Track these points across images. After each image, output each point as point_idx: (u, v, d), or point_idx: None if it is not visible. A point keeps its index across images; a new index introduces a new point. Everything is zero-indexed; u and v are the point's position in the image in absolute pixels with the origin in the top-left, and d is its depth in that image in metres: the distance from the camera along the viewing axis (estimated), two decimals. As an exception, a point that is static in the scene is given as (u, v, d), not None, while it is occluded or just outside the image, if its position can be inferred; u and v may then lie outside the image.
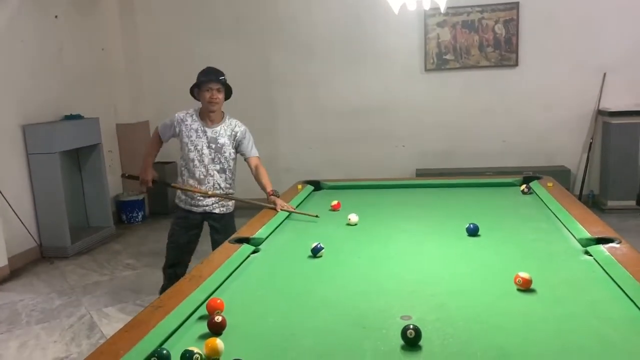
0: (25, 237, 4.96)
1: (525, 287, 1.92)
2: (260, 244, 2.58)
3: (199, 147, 3.33)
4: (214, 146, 3.34)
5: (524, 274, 1.93)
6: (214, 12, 6.33)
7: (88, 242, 5.42)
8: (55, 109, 5.42)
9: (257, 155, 3.46)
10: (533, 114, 5.91)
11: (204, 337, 1.65)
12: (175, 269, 3.44)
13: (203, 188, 3.36)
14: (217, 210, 3.42)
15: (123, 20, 6.32)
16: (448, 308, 1.83)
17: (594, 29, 5.66)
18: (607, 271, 2.01)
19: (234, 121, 3.42)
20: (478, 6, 5.84)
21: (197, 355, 1.48)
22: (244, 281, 2.16)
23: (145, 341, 1.58)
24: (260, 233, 2.68)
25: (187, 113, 3.41)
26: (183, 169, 3.42)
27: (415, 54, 6.04)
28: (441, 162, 6.07)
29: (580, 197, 5.70)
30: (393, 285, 2.07)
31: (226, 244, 2.53)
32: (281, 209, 3.09)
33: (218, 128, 3.35)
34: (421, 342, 1.55)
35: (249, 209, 3.29)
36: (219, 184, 3.38)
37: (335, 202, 3.24)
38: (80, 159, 5.74)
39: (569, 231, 2.54)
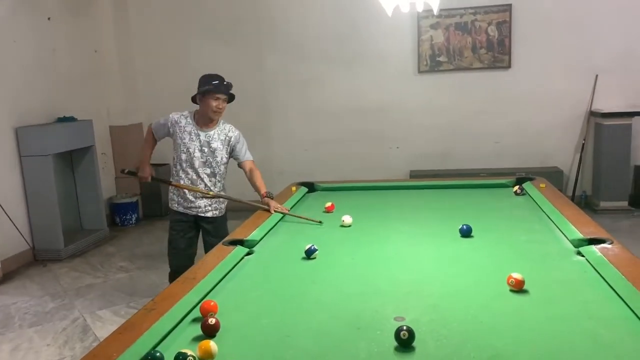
0: (18, 240, 4.93)
1: (518, 287, 1.93)
2: (254, 245, 2.58)
3: (191, 150, 3.32)
4: (206, 150, 3.33)
5: (517, 275, 1.94)
6: (208, 13, 6.32)
7: (81, 245, 5.39)
8: (48, 111, 5.40)
9: (252, 159, 3.45)
10: (526, 116, 5.94)
11: (197, 339, 1.65)
12: (178, 273, 3.44)
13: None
14: (209, 214, 3.42)
15: (116, 22, 6.30)
16: (441, 309, 1.83)
17: (586, 30, 5.70)
18: (599, 271, 2.02)
19: (227, 126, 3.41)
20: (471, 8, 5.86)
21: (190, 358, 1.48)
22: (237, 283, 2.16)
23: (139, 344, 1.57)
24: (254, 235, 2.68)
25: (182, 115, 3.39)
26: (175, 169, 3.41)
27: (409, 55, 6.05)
28: (435, 164, 6.09)
29: (572, 198, 5.73)
30: (387, 286, 2.07)
31: (220, 246, 2.53)
32: (275, 211, 3.09)
33: (212, 132, 3.34)
34: (415, 343, 1.56)
35: (242, 210, 3.30)
36: (209, 188, 3.38)
37: (329, 204, 3.24)
38: (73, 161, 5.72)
39: (562, 232, 2.56)
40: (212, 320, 1.70)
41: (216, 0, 6.29)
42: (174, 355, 1.49)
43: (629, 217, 5.51)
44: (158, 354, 1.51)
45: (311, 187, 3.85)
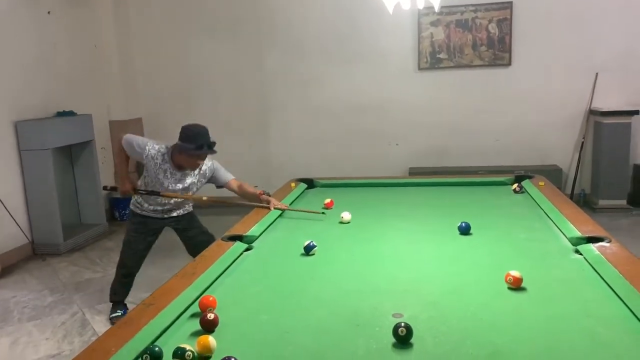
0: (17, 234, 4.94)
1: (516, 285, 1.93)
2: (253, 241, 2.58)
3: (165, 185, 3.28)
4: (181, 186, 3.31)
5: (515, 273, 1.95)
6: (208, 9, 6.31)
7: (80, 239, 5.39)
8: (47, 106, 5.39)
9: (233, 176, 3.40)
10: (526, 113, 5.94)
11: (196, 334, 1.65)
12: (131, 274, 3.56)
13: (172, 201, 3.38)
14: (174, 214, 3.45)
15: (116, 16, 6.28)
16: (440, 306, 1.84)
17: (586, 29, 5.69)
18: (597, 270, 2.03)
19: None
20: (472, 5, 5.85)
21: (189, 353, 1.48)
22: (236, 278, 2.17)
23: (137, 339, 1.58)
24: (253, 231, 2.68)
25: (159, 151, 3.25)
26: (145, 184, 3.37)
27: (409, 53, 6.05)
28: (434, 161, 6.09)
29: (571, 196, 5.74)
30: (385, 283, 2.07)
31: (219, 241, 2.53)
32: (274, 208, 3.09)
33: (187, 170, 3.30)
34: (413, 340, 1.56)
35: (240, 207, 3.30)
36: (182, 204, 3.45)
37: (328, 200, 3.25)
38: (72, 155, 5.71)
39: (560, 230, 2.56)
40: (211, 316, 1.71)
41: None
42: (172, 350, 1.49)
43: (627, 215, 5.52)
44: (157, 348, 1.51)
45: (310, 183, 3.85)
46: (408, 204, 3.37)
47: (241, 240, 2.54)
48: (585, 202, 5.86)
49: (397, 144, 6.22)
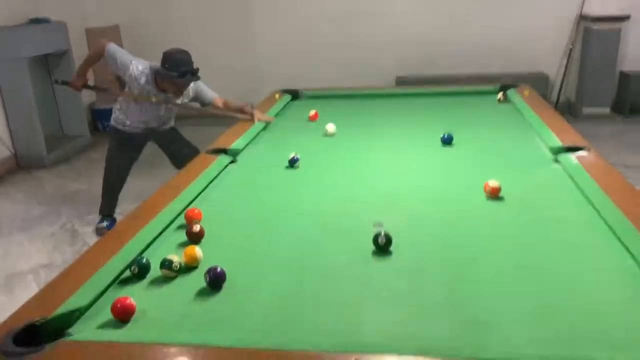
0: (0, 147, 4.89)
1: (495, 195, 1.98)
2: (237, 154, 2.59)
3: (146, 105, 3.23)
4: (163, 105, 3.26)
5: (493, 182, 1.99)
6: None
7: (65, 151, 5.36)
8: (19, 12, 5.13)
9: (217, 95, 3.34)
10: (515, 19, 5.76)
11: (182, 245, 1.69)
12: (116, 189, 3.59)
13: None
14: (157, 129, 3.42)
15: None
16: (419, 216, 1.89)
17: None
18: (574, 178, 2.08)
19: None
20: None
21: (176, 264, 1.53)
22: (221, 192, 2.20)
23: (125, 250, 1.62)
24: (237, 144, 2.68)
25: (143, 72, 3.14)
26: (124, 105, 3.33)
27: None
28: (422, 69, 5.98)
29: (556, 104, 5.74)
30: (367, 194, 2.12)
31: (203, 154, 2.54)
32: (259, 120, 3.06)
33: (171, 94, 3.21)
34: (392, 248, 1.63)
35: (221, 120, 3.27)
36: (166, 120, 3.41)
37: (312, 112, 3.22)
38: (50, 66, 5.53)
39: (541, 139, 2.59)
40: (196, 227, 1.75)
41: None
42: (160, 261, 1.54)
43: (611, 123, 5.56)
44: (144, 260, 1.56)
45: (295, 94, 3.80)
46: (393, 115, 3.36)
47: (225, 153, 2.54)
48: (570, 109, 5.87)
49: (385, 53, 6.07)
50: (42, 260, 3.34)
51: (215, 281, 1.47)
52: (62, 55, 5.44)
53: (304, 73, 5.82)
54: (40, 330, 1.25)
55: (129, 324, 1.32)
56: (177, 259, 1.55)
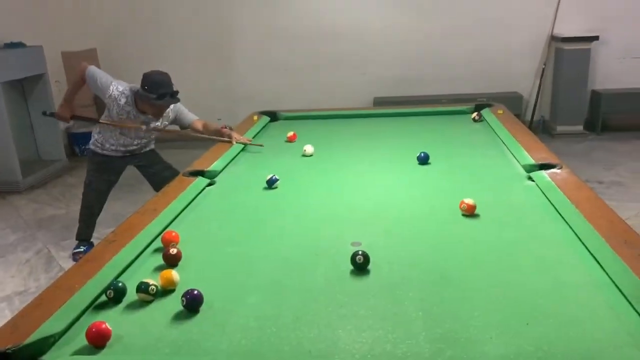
0: (-27, 173, 4.82)
1: (470, 212, 2.01)
2: (215, 176, 2.59)
3: (127, 128, 3.25)
4: (143, 127, 3.26)
5: (469, 200, 2.02)
6: None
7: (40, 176, 5.29)
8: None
9: (197, 117, 3.36)
10: (488, 40, 5.90)
11: (159, 269, 1.68)
12: (94, 214, 3.54)
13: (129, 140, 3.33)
14: (137, 152, 3.42)
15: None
16: (396, 234, 1.91)
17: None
18: (547, 195, 2.12)
19: None
20: None
21: (152, 287, 1.52)
22: (199, 214, 2.19)
23: (101, 275, 1.60)
24: (215, 165, 2.68)
25: (123, 93, 3.16)
26: (103, 128, 3.32)
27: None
28: (399, 90, 6.06)
29: (531, 123, 5.86)
30: (345, 213, 2.13)
31: (180, 177, 2.53)
32: (237, 142, 3.07)
33: (150, 116, 3.24)
34: (370, 267, 1.64)
35: (201, 142, 3.28)
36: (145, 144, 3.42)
37: (291, 133, 3.24)
38: (25, 90, 5.49)
39: (515, 158, 2.65)
40: (173, 250, 1.74)
41: None
42: (136, 285, 1.52)
43: (582, 141, 5.69)
44: (120, 284, 1.54)
45: (273, 116, 3.83)
46: (371, 135, 3.40)
47: (203, 176, 2.54)
48: (544, 128, 6.00)
49: (362, 74, 6.15)
50: (17, 287, 3.28)
51: (192, 303, 1.46)
52: (39, 79, 5.41)
53: (282, 94, 5.88)
54: (12, 359, 1.22)
55: (105, 349, 1.31)
56: (153, 282, 1.53)
